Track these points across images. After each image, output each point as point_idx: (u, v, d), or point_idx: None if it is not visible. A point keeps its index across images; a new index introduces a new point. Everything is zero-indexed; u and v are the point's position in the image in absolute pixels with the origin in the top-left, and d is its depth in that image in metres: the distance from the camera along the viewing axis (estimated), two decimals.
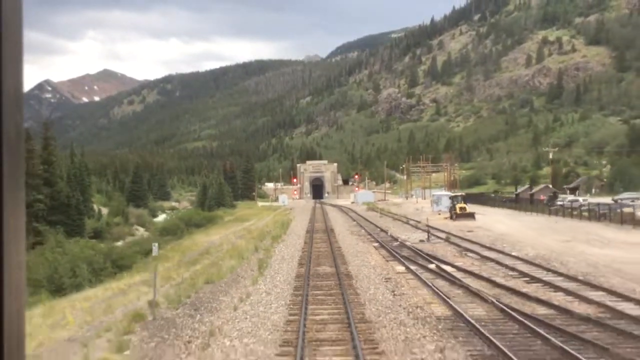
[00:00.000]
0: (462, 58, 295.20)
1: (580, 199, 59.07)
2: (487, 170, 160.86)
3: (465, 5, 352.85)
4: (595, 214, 39.20)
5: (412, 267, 20.32)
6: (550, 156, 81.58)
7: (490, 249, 25.42)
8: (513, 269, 19.58)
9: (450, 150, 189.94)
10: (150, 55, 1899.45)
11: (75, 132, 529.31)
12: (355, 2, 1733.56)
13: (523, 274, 18.47)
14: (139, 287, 18.43)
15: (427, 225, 33.82)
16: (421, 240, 30.09)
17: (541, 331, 11.08)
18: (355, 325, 12.07)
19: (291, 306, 14.79)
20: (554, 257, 22.25)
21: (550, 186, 79.81)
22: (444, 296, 14.94)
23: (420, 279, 18.02)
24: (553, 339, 10.45)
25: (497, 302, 13.83)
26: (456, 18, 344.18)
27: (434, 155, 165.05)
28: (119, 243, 53.92)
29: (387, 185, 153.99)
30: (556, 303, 13.84)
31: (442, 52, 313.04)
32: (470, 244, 27.35)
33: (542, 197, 63.72)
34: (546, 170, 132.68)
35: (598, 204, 44.00)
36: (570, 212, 44.67)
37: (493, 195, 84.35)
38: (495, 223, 39.35)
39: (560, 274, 18.16)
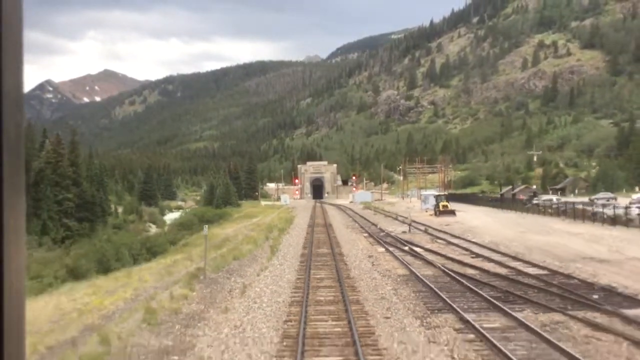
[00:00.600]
0: (460, 61, 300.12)
1: (554, 198, 65.05)
2: (481, 171, 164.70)
3: (464, 7, 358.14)
4: (559, 211, 45.21)
5: (390, 249, 26.37)
6: (535, 159, 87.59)
7: (457, 237, 31.44)
8: (467, 250, 25.67)
9: (447, 151, 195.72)
10: (150, 56, 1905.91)
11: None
12: (356, 2, 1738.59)
13: (472, 253, 24.55)
14: (183, 262, 24.45)
15: (413, 221, 39.76)
16: (404, 232, 36.14)
17: (462, 280, 17.12)
18: (343, 280, 18.07)
19: (299, 270, 20.87)
20: (504, 242, 28.29)
21: (535, 187, 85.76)
22: (407, 265, 21.00)
23: (394, 255, 24.08)
24: (467, 284, 16.48)
25: (442, 267, 19.87)
26: (455, 20, 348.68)
27: (431, 156, 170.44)
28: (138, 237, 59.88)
29: (385, 185, 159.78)
30: (484, 268, 19.90)
31: (441, 55, 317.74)
32: (443, 234, 33.40)
33: (521, 196, 69.75)
34: (537, 171, 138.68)
35: (565, 203, 49.99)
36: (541, 209, 50.66)
37: (480, 195, 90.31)
38: (471, 219, 45.41)
39: (500, 253, 24.21)
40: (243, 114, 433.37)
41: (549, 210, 47.34)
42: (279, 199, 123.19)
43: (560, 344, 10.10)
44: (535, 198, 65.50)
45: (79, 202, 58.52)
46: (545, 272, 18.92)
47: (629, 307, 13.15)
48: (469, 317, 12.46)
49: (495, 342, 10.39)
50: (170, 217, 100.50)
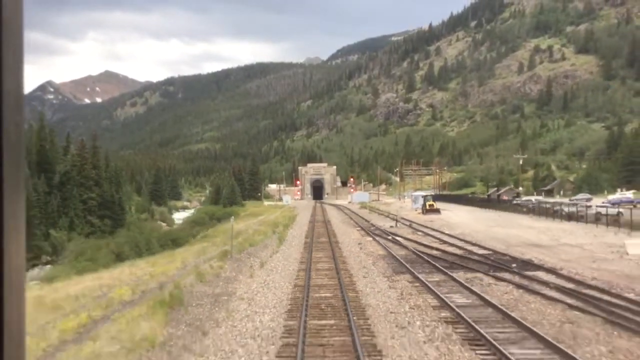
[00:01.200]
0: (458, 64, 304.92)
1: (533, 198, 71.09)
2: (476, 173, 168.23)
3: (462, 11, 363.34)
4: (531, 210, 51.19)
5: (377, 239, 32.35)
6: (521, 162, 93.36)
7: (435, 230, 37.38)
8: (439, 239, 31.63)
9: (443, 154, 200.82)
10: (151, 56, 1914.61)
11: (76, 133, 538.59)
12: (356, 4, 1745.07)
13: (442, 241, 30.51)
14: (210, 248, 30.42)
15: (402, 218, 45.73)
16: (391, 226, 42.09)
17: (425, 257, 23.09)
18: (337, 257, 24.01)
19: (303, 252, 26.86)
20: (471, 234, 34.21)
21: (521, 188, 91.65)
22: (387, 248, 26.99)
23: (379, 243, 30.06)
24: (427, 259, 22.45)
25: (414, 250, 25.83)
26: (453, 24, 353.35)
27: (428, 158, 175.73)
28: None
29: (383, 187, 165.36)
30: (446, 250, 25.86)
31: (439, 58, 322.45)
32: (424, 228, 39.35)
33: (505, 197, 75.87)
34: (530, 173, 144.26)
35: (539, 202, 55.96)
36: (518, 208, 56.59)
37: (470, 196, 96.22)
38: (453, 216, 51.37)
39: (464, 241, 30.13)
40: (244, 115, 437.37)
41: (524, 209, 53.32)
42: (280, 199, 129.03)
43: (470, 286, 16.07)
44: (517, 198, 71.52)
45: (100, 201, 64.53)
46: (490, 252, 24.91)
47: (530, 271, 19.13)
48: (420, 276, 18.42)
49: (431, 287, 16.33)
50: (177, 216, 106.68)
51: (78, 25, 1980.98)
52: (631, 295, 14.49)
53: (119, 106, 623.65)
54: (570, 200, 73.22)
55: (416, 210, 62.84)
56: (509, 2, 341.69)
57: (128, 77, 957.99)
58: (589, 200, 71.31)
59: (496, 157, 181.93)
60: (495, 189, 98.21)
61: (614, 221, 35.55)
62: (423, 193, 73.01)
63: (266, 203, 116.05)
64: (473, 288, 15.92)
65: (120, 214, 66.51)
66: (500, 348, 10.15)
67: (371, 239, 32.86)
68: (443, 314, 13.26)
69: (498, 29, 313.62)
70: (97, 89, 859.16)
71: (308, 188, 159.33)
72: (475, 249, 26.17)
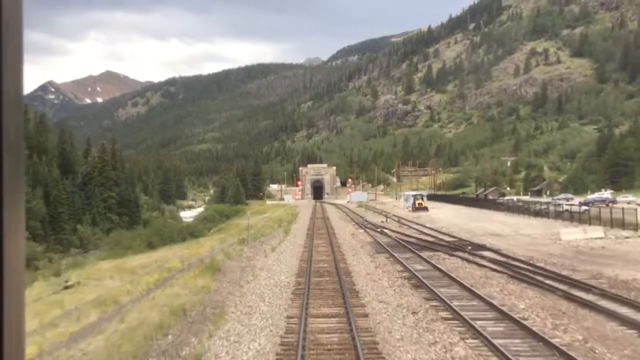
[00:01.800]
0: (456, 66, 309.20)
1: (515, 198, 77.16)
2: (471, 174, 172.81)
3: (461, 13, 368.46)
4: (509, 208, 57.17)
5: (368, 231, 38.37)
6: (509, 164, 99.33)
7: (418, 224, 43.35)
8: (420, 231, 37.62)
9: (440, 155, 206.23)
10: (151, 56, 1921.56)
11: (77, 133, 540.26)
12: (356, 5, 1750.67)
13: (421, 232, 36.49)
14: (228, 238, 36.40)
15: (393, 215, 51.71)
16: (382, 221, 48.07)
17: (403, 243, 29.06)
18: (333, 244, 30.00)
19: (306, 241, 32.90)
20: (449, 227, 40.17)
21: (508, 188, 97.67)
22: (374, 237, 33.01)
23: (369, 234, 36.09)
24: (404, 244, 28.43)
25: (396, 238, 31.82)
26: (452, 26, 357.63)
27: (425, 159, 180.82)
28: None
29: (381, 187, 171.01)
30: (422, 238, 31.81)
31: (438, 60, 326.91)
32: (410, 223, 45.34)
33: (490, 196, 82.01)
34: (522, 174, 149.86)
35: (518, 201, 61.93)
36: (499, 207, 62.49)
37: (460, 195, 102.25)
38: (439, 213, 57.37)
39: (439, 232, 36.10)
40: (245, 116, 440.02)
41: (502, 207, 59.29)
42: (282, 199, 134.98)
43: (430, 260, 22.09)
44: (501, 198, 77.59)
45: (119, 200, 70.53)
46: (456, 239, 30.90)
47: (479, 251, 25.12)
48: (395, 254, 24.40)
49: (402, 261, 22.30)
50: (184, 214, 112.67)
51: (78, 25, 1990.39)
52: (540, 264, 20.46)
53: (120, 106, 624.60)
54: (552, 199, 79.06)
55: (407, 209, 68.83)
56: (507, 4, 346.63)
57: (129, 77, 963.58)
58: (570, 199, 77.20)
59: (491, 158, 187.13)
60: (483, 189, 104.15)
61: (574, 217, 41.34)
62: (414, 193, 79.00)
63: (269, 202, 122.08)
64: (431, 261, 21.91)
65: (136, 211, 72.53)
66: (434, 290, 16.10)
67: (363, 231, 38.88)
68: (404, 275, 19.28)
69: (496, 31, 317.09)
70: (98, 89, 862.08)
71: (308, 188, 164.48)
72: (445, 238, 32.14)
